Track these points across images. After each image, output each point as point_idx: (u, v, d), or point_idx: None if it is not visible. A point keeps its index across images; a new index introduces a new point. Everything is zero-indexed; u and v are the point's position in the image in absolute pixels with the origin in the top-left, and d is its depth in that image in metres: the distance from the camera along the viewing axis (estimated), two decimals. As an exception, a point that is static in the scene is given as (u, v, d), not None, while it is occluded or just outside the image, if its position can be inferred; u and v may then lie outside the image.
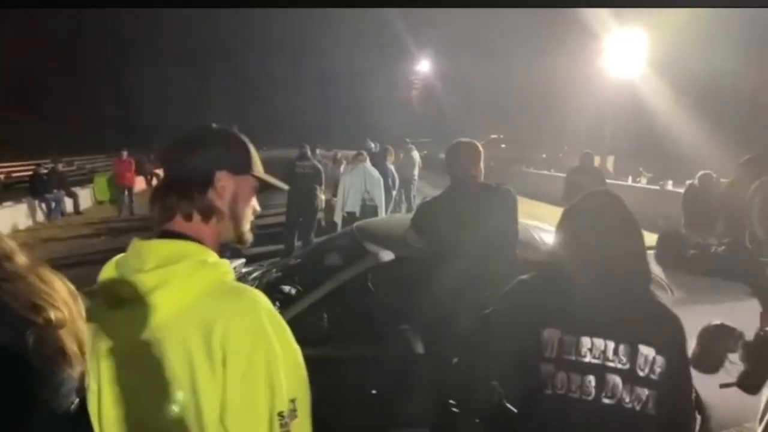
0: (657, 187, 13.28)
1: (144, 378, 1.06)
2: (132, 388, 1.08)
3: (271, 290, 3.42)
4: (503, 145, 30.94)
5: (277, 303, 3.25)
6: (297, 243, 8.58)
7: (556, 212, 1.91)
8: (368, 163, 8.57)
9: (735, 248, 3.59)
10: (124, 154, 14.56)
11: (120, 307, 1.07)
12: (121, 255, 1.16)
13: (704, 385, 1.94)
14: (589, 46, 19.96)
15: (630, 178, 17.42)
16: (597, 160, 20.93)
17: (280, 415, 1.05)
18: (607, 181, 17.51)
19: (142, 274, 1.07)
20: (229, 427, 1.04)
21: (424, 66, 58.91)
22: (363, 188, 8.29)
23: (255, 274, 3.91)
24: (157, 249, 1.12)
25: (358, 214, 8.26)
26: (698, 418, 2.83)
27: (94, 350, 1.07)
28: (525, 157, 25.94)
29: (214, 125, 1.24)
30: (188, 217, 1.16)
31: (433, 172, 19.82)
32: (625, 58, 18.09)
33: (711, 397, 2.79)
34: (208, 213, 1.17)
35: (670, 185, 12.90)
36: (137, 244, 1.15)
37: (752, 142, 20.10)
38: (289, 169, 8.43)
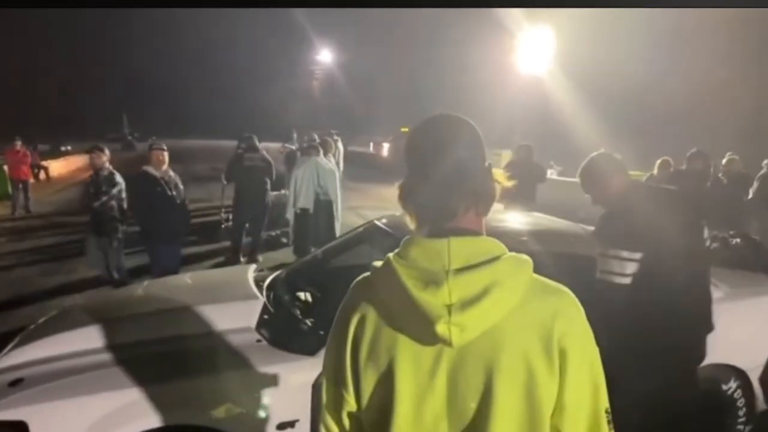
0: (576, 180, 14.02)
1: (475, 379, 1.02)
2: (467, 388, 1.03)
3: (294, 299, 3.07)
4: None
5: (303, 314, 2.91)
6: (246, 239, 8.04)
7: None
8: (321, 156, 8.21)
9: (749, 240, 3.77)
10: (18, 144, 12.89)
11: (435, 309, 1.00)
12: (393, 256, 1.08)
13: None
14: (499, 44, 20.72)
15: (549, 172, 18.25)
16: (508, 155, 21.94)
17: (607, 411, 1.07)
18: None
19: (470, 273, 1.01)
20: (562, 425, 1.04)
21: (325, 56, 58.41)
22: (316, 182, 7.92)
23: (268, 281, 3.52)
24: (461, 247, 1.05)
25: (311, 210, 7.90)
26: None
27: (390, 349, 1.05)
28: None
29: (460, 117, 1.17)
30: (476, 213, 1.11)
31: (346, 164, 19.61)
32: (535, 55, 18.95)
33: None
34: (489, 208, 1.13)
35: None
36: (425, 243, 1.07)
37: (653, 136, 22.19)
38: (236, 162, 7.85)
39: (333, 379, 1.16)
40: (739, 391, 3.05)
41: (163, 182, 5.34)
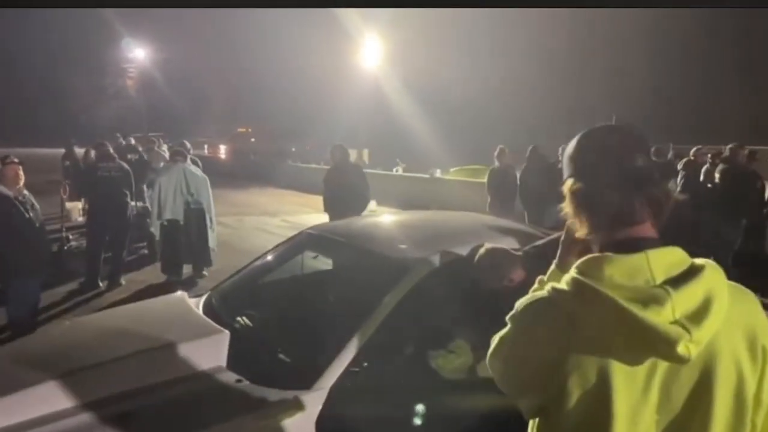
0: (427, 176, 14.79)
1: (690, 389, 1.03)
2: (680, 399, 1.03)
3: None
4: (253, 139, 30.47)
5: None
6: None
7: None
8: (189, 162, 7.51)
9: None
10: None
11: (670, 329, 0.96)
12: (581, 276, 1.03)
13: None
14: (342, 45, 20.99)
15: (395, 170, 18.88)
16: (353, 153, 22.36)
17: None
18: (368, 171, 18.98)
19: (686, 287, 0.99)
20: (758, 420, 1.07)
21: (138, 54, 53.69)
22: (185, 190, 7.23)
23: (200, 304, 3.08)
24: (659, 259, 1.03)
25: (181, 221, 7.20)
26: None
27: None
28: (282, 150, 26.04)
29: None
30: (653, 221, 1.09)
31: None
32: (373, 57, 19.49)
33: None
34: (666, 215, 1.11)
35: (438, 173, 14.52)
36: (619, 260, 1.03)
37: (484, 135, 24.17)
38: (89, 174, 6.83)
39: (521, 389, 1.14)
40: None
41: (18, 203, 4.43)
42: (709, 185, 6.98)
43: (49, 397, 2.14)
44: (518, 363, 1.13)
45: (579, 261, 1.08)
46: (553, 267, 1.32)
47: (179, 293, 3.13)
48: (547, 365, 1.06)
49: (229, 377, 2.32)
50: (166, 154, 11.70)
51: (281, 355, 2.49)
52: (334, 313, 2.80)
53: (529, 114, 26.00)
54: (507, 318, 1.17)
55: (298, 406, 2.18)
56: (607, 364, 1.01)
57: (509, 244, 2.87)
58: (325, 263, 3.52)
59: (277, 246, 3.60)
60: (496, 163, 8.23)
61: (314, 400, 2.21)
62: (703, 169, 7.31)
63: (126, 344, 2.40)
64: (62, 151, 13.28)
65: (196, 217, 7.33)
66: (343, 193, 7.03)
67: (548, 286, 1.11)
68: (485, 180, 8.43)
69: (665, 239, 1.09)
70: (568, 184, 1.14)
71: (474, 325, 2.74)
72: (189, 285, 7.05)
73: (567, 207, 1.15)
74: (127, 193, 7.01)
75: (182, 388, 2.22)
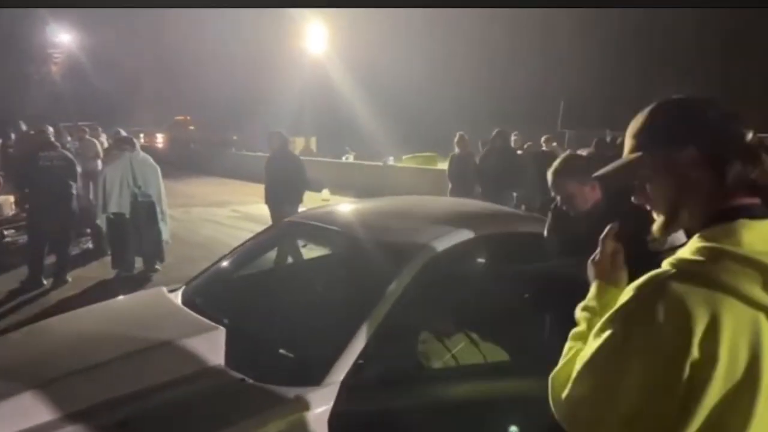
0: (380, 164, 14.71)
1: None
2: None
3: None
4: (192, 127, 29.38)
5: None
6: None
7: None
8: (138, 151, 7.07)
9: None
10: None
11: None
12: (719, 246, 0.93)
13: None
14: (287, 30, 20.48)
15: (344, 157, 18.64)
16: (300, 141, 21.96)
17: None
18: (318, 159, 18.69)
19: None
20: None
21: (65, 39, 50.50)
22: (131, 182, 6.83)
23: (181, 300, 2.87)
24: None
25: (128, 215, 6.80)
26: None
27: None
28: (224, 138, 25.24)
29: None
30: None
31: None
32: (325, 43, 19.16)
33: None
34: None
35: (391, 161, 14.46)
36: (759, 225, 0.94)
37: (434, 123, 24.22)
38: (30, 164, 6.29)
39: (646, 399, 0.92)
40: None
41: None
42: None
43: (28, 410, 1.91)
44: (630, 376, 0.92)
45: (701, 232, 0.98)
46: (597, 284, 1.21)
47: (158, 288, 2.90)
48: (676, 367, 0.89)
49: (231, 377, 2.16)
50: (105, 144, 11.13)
51: (283, 351, 2.34)
52: (336, 305, 2.67)
53: (479, 101, 26.33)
54: (598, 331, 0.99)
55: (308, 403, 2.05)
56: (758, 344, 0.89)
57: (503, 226, 2.82)
58: (311, 253, 3.38)
59: (255, 236, 3.41)
60: (456, 150, 8.24)
61: (325, 397, 2.09)
62: None
63: (111, 346, 2.19)
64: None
65: (146, 210, 6.94)
66: (280, 183, 6.83)
67: (668, 264, 0.97)
68: (439, 167, 8.44)
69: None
70: (678, 155, 1.03)
71: (480, 310, 2.69)
72: (142, 280, 6.70)
73: (662, 182, 1.05)
74: (72, 183, 6.53)
75: (181, 391, 2.04)
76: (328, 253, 3.44)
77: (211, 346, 2.23)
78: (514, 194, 7.98)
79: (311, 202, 11.28)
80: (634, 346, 0.92)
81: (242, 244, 3.37)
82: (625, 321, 0.95)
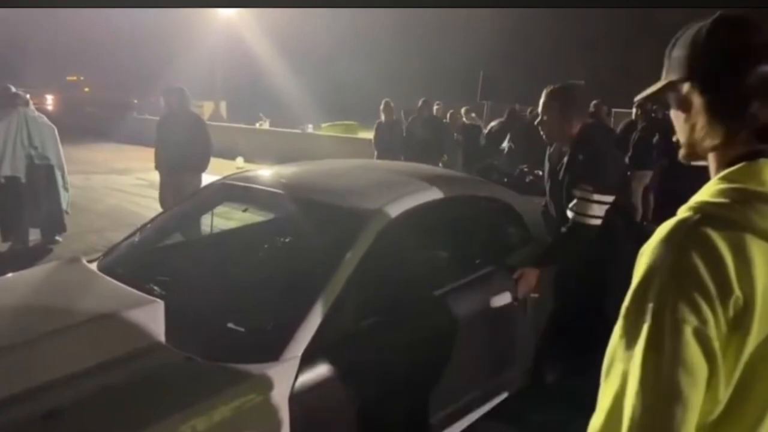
0: (298, 131, 14.23)
1: None
2: None
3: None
4: (87, 89, 26.96)
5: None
6: None
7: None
8: (31, 108, 6.28)
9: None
10: None
11: None
12: (741, 186, 0.87)
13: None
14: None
15: (258, 124, 17.86)
16: (210, 106, 20.81)
17: None
18: (230, 125, 17.81)
19: None
20: None
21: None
22: (26, 141, 6.09)
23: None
24: None
25: (23, 179, 6.06)
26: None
27: None
28: (126, 103, 23.38)
29: None
30: None
31: None
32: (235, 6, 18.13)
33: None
34: None
35: (310, 128, 14.03)
36: None
37: (352, 90, 23.66)
38: None
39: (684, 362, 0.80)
40: None
41: None
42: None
43: None
44: (689, 346, 0.80)
45: (723, 172, 0.92)
46: None
47: (74, 258, 2.51)
48: (724, 315, 0.81)
49: (175, 355, 1.90)
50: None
51: (231, 325, 2.10)
52: (287, 274, 2.45)
53: (400, 72, 26.17)
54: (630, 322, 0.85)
55: (267, 380, 1.85)
56: None
57: (445, 189, 2.74)
58: (245, 219, 3.10)
59: (183, 200, 3.08)
60: (382, 117, 8.09)
61: (285, 372, 1.90)
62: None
63: (28, 325, 1.85)
64: None
65: (44, 175, 6.24)
66: (179, 146, 5.69)
67: (687, 210, 0.89)
68: (360, 136, 8.29)
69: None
70: (696, 90, 0.95)
71: (440, 272, 2.61)
72: (39, 254, 6.03)
73: (697, 115, 0.96)
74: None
75: (118, 374, 1.76)
76: (269, 218, 3.19)
77: (149, 322, 1.95)
78: (440, 164, 8.02)
79: (226, 170, 10.76)
80: (681, 310, 0.81)
81: (168, 210, 3.04)
82: (661, 288, 0.83)
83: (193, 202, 3.05)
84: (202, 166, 5.87)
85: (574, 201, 2.51)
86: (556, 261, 2.67)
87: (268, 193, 2.73)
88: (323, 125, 15.10)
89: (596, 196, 2.44)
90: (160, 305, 2.00)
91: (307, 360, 1.96)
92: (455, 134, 8.36)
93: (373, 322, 2.24)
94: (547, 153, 2.81)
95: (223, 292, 2.35)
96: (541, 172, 6.01)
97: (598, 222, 2.46)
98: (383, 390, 2.20)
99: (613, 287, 2.44)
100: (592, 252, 2.47)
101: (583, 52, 24.90)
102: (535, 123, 2.67)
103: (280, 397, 1.87)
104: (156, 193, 6.28)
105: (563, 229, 2.58)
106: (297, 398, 1.89)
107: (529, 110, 8.92)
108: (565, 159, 2.59)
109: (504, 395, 2.86)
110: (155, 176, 5.99)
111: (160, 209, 5.59)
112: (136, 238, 2.89)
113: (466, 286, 2.65)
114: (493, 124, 8.95)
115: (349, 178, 2.95)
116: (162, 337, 1.96)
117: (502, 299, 2.66)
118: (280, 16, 24.51)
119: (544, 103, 2.59)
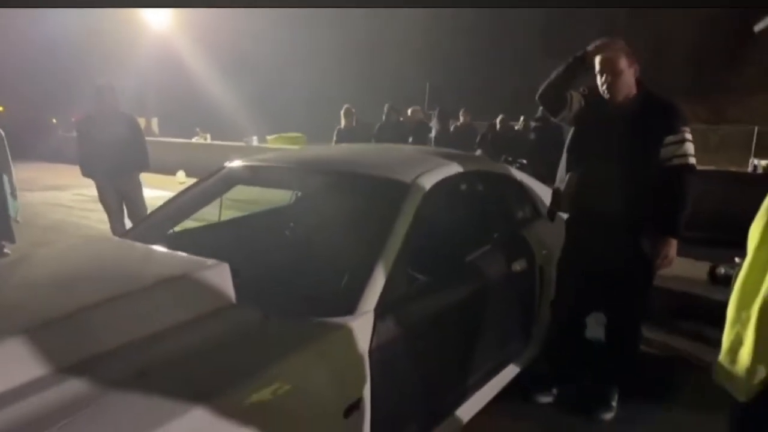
0: (242, 144, 13.95)
1: None
2: None
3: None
4: (1, 108, 25.22)
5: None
6: None
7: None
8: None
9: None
10: None
11: None
12: None
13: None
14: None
15: (195, 139, 17.35)
16: (141, 123, 20.00)
17: None
18: (166, 140, 17.16)
19: None
20: None
21: None
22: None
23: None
24: None
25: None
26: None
27: None
28: (42, 121, 22.04)
29: None
30: None
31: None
32: (166, 16, 17.71)
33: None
34: None
35: (255, 141, 13.80)
36: None
37: (292, 101, 23.29)
38: None
39: None
40: None
41: None
42: None
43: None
44: None
45: None
46: None
47: (102, 235, 2.38)
48: None
49: (252, 314, 1.85)
50: None
51: (303, 288, 2.09)
52: (339, 241, 2.44)
53: (345, 84, 26.19)
54: None
55: (347, 330, 1.85)
56: None
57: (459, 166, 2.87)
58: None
59: (198, 182, 3.00)
60: (343, 122, 8.09)
61: (362, 325, 1.91)
62: None
63: (97, 289, 1.74)
64: None
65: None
66: (113, 148, 5.09)
67: None
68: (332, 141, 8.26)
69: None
70: None
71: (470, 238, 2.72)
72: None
73: None
74: None
75: (199, 335, 1.70)
76: (295, 197, 3.18)
77: (219, 283, 1.89)
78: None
79: (167, 184, 10.39)
80: None
81: (182, 192, 2.95)
82: None
83: (208, 185, 2.97)
84: (145, 166, 5.44)
85: (670, 147, 2.47)
86: (683, 220, 2.55)
87: (306, 172, 2.77)
88: (269, 137, 14.90)
89: (689, 135, 2.47)
90: (226, 267, 1.94)
91: (379, 317, 1.97)
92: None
93: (423, 283, 2.30)
94: (573, 131, 2.80)
95: (279, 260, 2.32)
96: (525, 161, 6.25)
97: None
98: (444, 344, 2.31)
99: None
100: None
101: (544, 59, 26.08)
102: (603, 83, 2.56)
103: (362, 349, 1.86)
104: (98, 206, 5.63)
105: (670, 183, 2.49)
106: (375, 352, 1.90)
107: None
108: (626, 118, 2.53)
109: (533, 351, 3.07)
110: (95, 192, 5.34)
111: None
112: (159, 219, 2.78)
113: (492, 251, 2.79)
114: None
115: (381, 154, 3.07)
116: (233, 299, 1.91)
117: (519, 264, 2.88)
118: (217, 28, 24.00)
119: (614, 59, 2.49)
